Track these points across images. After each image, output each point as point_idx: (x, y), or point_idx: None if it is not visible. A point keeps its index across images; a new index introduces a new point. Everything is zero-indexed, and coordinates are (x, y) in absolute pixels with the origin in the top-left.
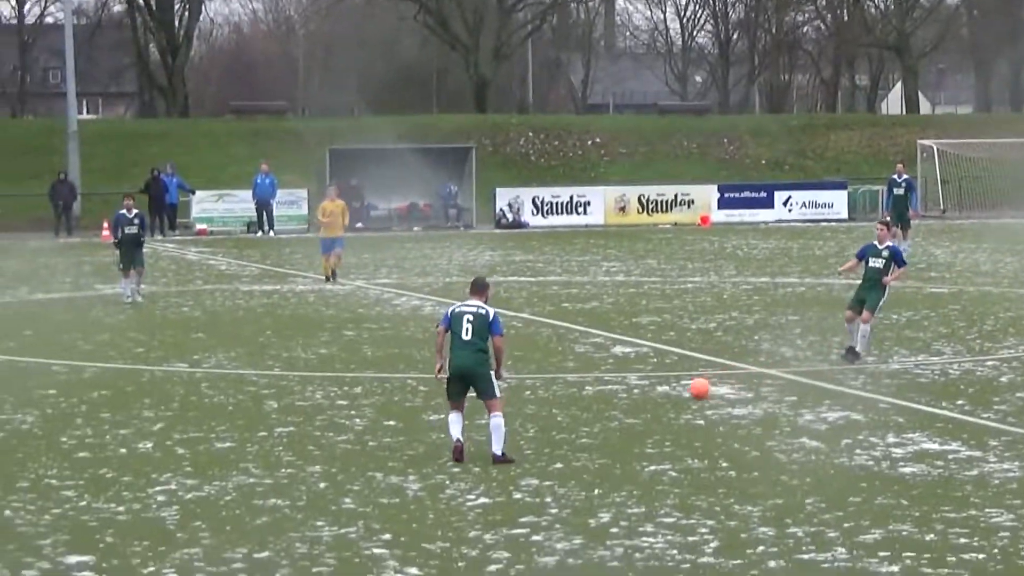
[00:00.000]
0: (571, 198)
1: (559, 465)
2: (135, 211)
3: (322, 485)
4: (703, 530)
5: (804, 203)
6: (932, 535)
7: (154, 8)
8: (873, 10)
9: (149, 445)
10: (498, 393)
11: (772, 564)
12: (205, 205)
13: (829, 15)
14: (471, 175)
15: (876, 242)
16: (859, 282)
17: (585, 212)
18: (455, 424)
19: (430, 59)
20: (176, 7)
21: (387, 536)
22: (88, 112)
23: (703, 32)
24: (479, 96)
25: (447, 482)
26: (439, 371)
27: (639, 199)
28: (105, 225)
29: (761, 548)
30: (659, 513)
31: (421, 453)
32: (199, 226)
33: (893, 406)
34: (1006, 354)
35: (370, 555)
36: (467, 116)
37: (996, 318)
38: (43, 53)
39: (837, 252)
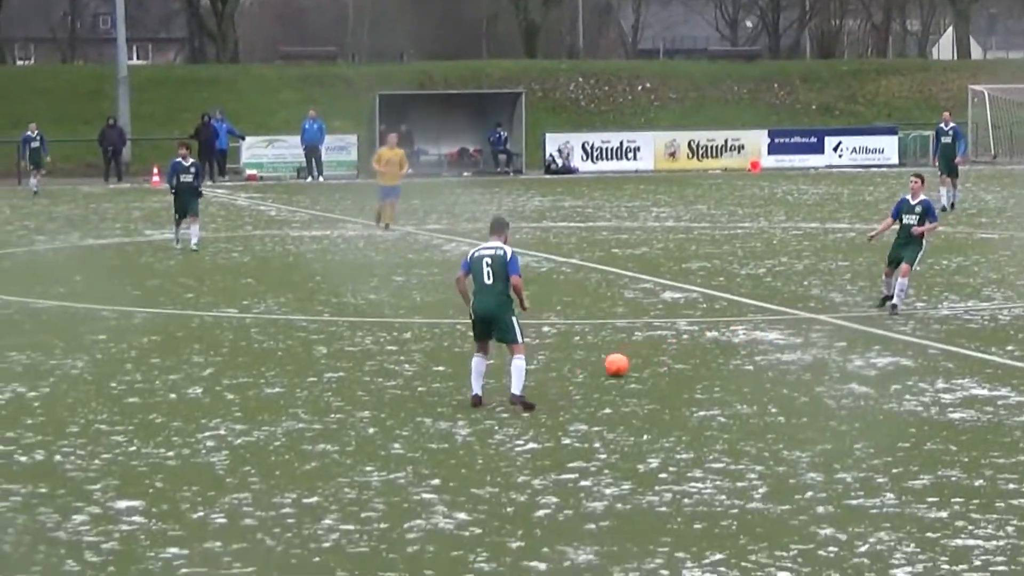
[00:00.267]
0: (621, 143)
1: (608, 411)
2: (191, 160)
3: (371, 430)
4: (752, 476)
5: (854, 148)
6: (981, 480)
7: None
8: None
9: (199, 390)
10: (520, 339)
11: (820, 510)
12: (255, 151)
13: None
14: (521, 121)
15: (909, 197)
16: (894, 239)
17: (635, 157)
18: (476, 373)
19: (480, 4)
20: None
21: (436, 481)
22: (138, 58)
23: None
24: (529, 41)
25: (496, 428)
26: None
27: (689, 144)
28: (155, 171)
29: (810, 494)
30: (708, 459)
31: (470, 399)
32: (249, 172)
33: (942, 352)
34: None
35: (419, 500)
36: (517, 61)
37: None
38: None
39: (888, 198)
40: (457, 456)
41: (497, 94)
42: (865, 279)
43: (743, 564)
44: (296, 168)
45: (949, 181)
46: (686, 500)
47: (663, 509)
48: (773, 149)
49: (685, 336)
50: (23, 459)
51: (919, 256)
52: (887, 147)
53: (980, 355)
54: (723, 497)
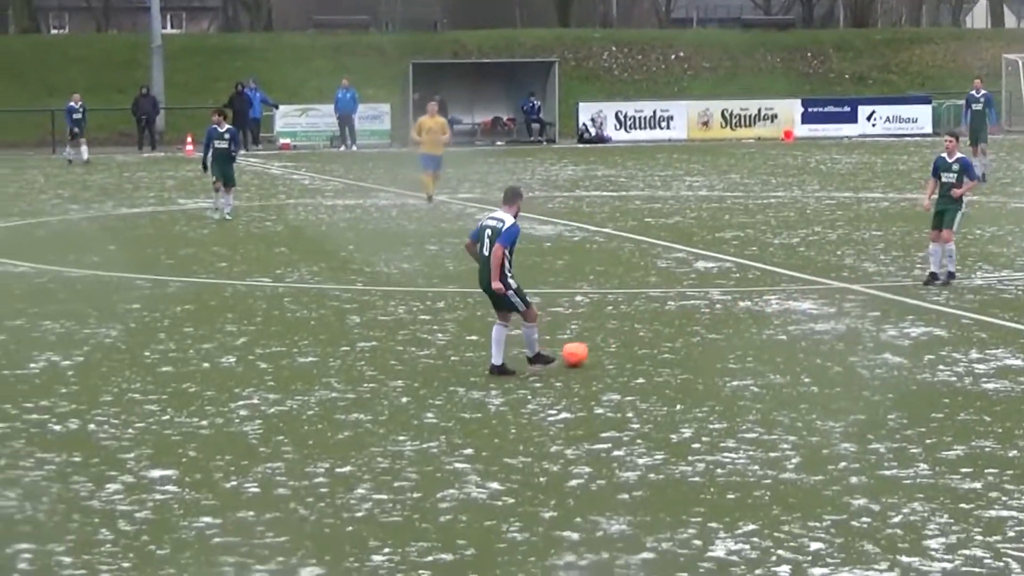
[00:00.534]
0: (654, 113)
1: (641, 380)
2: (225, 126)
3: (404, 400)
4: (784, 446)
5: (888, 118)
6: (1015, 451)
7: None
8: None
9: (232, 360)
10: (522, 307)
11: (854, 480)
12: (288, 120)
13: None
14: (554, 89)
15: (945, 155)
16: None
17: (668, 127)
18: (495, 342)
19: None
20: None
21: (469, 451)
22: (172, 27)
23: None
24: (562, 10)
25: (529, 397)
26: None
27: (722, 114)
28: (189, 139)
29: (843, 464)
30: (741, 429)
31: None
32: (282, 141)
33: (976, 322)
34: None
35: (452, 470)
36: (550, 30)
37: None
38: None
39: (921, 167)
40: (490, 426)
41: (530, 63)
42: (899, 249)
43: (776, 534)
44: (329, 137)
45: (980, 149)
46: (719, 470)
47: (696, 479)
48: (807, 118)
49: (718, 306)
50: (57, 428)
51: (958, 218)
52: (921, 116)
53: (1014, 325)
54: (756, 467)
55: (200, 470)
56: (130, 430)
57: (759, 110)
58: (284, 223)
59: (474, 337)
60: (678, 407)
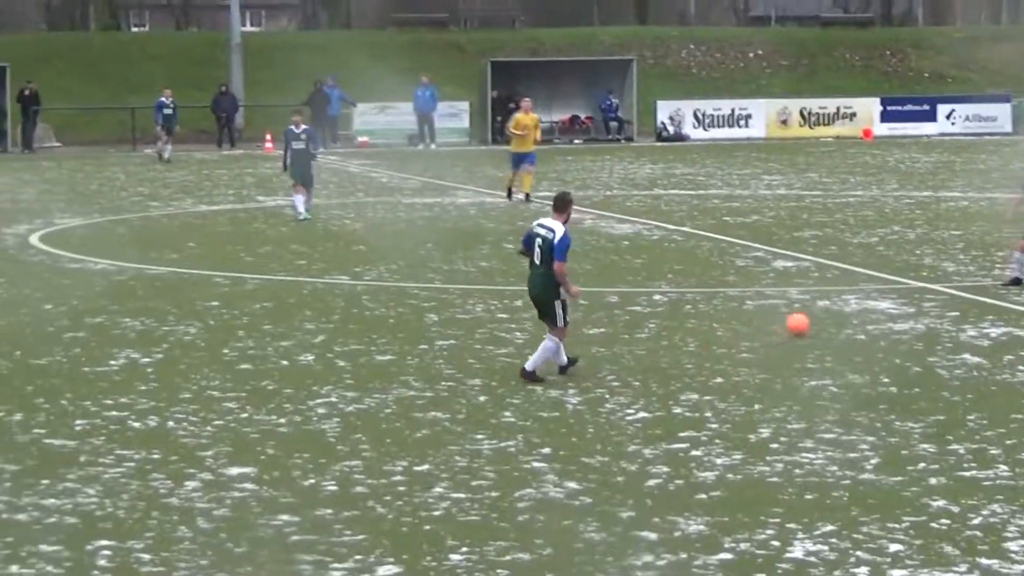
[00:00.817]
0: (732, 111)
1: (719, 380)
2: (303, 127)
3: (482, 398)
4: (863, 446)
5: (967, 116)
6: None
7: None
8: None
9: (310, 357)
10: (560, 323)
11: (933, 481)
12: (367, 117)
13: None
14: (632, 88)
15: None
16: None
17: (746, 125)
18: (554, 352)
19: None
20: None
21: (547, 450)
22: (251, 24)
23: None
24: (640, 8)
25: (607, 396)
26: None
27: (801, 112)
28: (268, 137)
29: (922, 465)
30: (819, 429)
31: (581, 367)
32: (360, 138)
33: None
34: None
35: (529, 469)
36: (628, 28)
37: None
38: None
39: (1000, 166)
40: (568, 425)
41: (608, 61)
42: (978, 248)
43: (855, 536)
44: (407, 135)
45: None
46: (797, 471)
47: (774, 479)
48: (885, 117)
49: (796, 305)
50: (137, 425)
51: None
52: (1000, 115)
53: None
54: (834, 468)
55: (278, 468)
56: (209, 428)
57: (838, 108)
58: (362, 221)
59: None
60: (756, 407)
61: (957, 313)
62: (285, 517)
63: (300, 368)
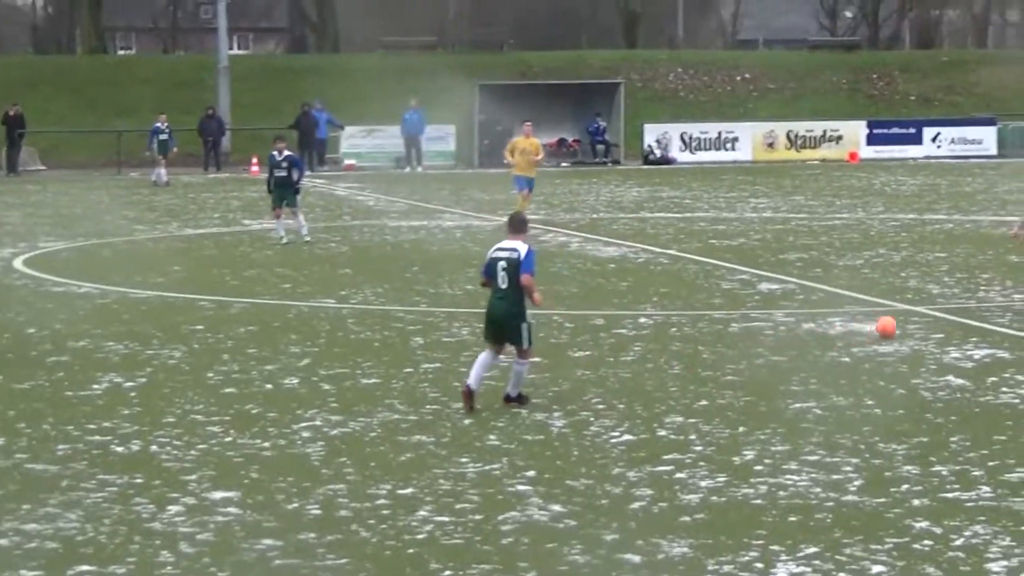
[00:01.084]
0: (719, 134)
1: (704, 402)
2: (285, 153)
3: (467, 422)
4: (847, 468)
5: (953, 139)
6: None
7: None
8: None
9: (295, 381)
10: (527, 344)
11: (916, 503)
12: (354, 140)
13: None
14: (619, 111)
15: None
16: None
17: (733, 148)
18: (476, 366)
19: None
20: None
21: (531, 473)
22: (239, 48)
23: None
24: (628, 31)
25: (591, 419)
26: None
27: (787, 135)
28: (254, 160)
29: (905, 486)
30: (803, 451)
31: (566, 390)
32: (347, 161)
33: None
34: None
35: (514, 492)
36: (616, 51)
37: None
38: None
39: (985, 189)
40: (552, 448)
41: (596, 84)
42: (963, 271)
43: (838, 557)
44: (394, 158)
45: None
46: (781, 492)
47: (758, 502)
48: (872, 140)
49: (782, 327)
50: (119, 449)
51: None
52: (986, 138)
53: None
54: (818, 490)
55: (262, 492)
56: (192, 452)
57: (824, 131)
58: (348, 244)
59: (537, 359)
60: (741, 429)
61: (941, 335)
62: (268, 541)
63: (285, 392)
